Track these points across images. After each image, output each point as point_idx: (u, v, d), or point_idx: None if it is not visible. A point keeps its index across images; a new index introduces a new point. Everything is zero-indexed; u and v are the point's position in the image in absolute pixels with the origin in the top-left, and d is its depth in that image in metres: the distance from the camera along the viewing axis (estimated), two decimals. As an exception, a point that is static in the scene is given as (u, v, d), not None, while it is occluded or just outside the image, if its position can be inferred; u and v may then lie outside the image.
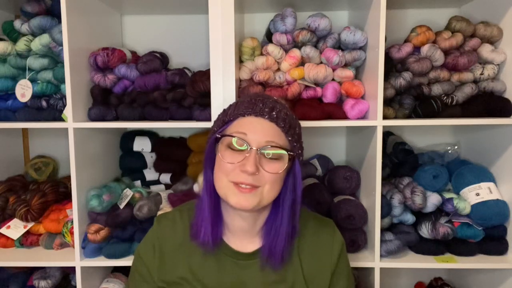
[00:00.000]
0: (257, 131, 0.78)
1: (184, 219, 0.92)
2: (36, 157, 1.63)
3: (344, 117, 1.27)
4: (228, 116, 0.82)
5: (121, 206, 1.31)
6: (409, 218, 1.30)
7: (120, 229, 1.29)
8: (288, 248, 0.86)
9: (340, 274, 0.91)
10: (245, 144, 0.77)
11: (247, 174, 0.76)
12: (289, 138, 0.81)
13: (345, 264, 0.93)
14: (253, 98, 0.83)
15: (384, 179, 1.40)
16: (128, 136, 1.53)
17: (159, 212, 1.28)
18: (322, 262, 0.90)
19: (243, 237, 0.89)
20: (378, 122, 1.18)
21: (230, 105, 0.87)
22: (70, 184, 1.24)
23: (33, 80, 1.33)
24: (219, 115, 0.88)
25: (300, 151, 0.84)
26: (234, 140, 0.78)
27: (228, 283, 0.87)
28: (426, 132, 1.59)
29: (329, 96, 1.27)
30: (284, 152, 0.79)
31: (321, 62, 1.29)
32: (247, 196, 0.78)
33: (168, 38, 1.59)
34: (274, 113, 0.79)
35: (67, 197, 1.38)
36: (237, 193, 0.78)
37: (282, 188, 0.83)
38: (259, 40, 1.31)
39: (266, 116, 0.79)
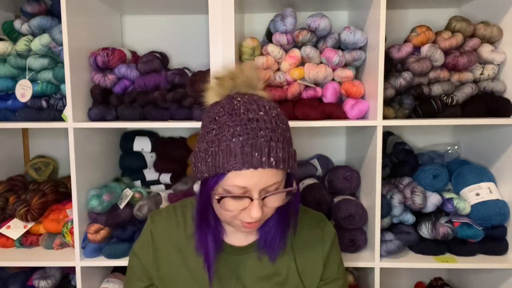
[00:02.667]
0: (256, 182, 0.72)
1: (178, 215, 0.93)
2: (36, 157, 1.63)
3: (344, 117, 1.27)
4: (221, 168, 0.71)
5: (121, 206, 1.31)
6: (409, 218, 1.30)
7: (120, 229, 1.29)
8: (283, 238, 0.87)
9: (331, 262, 0.92)
10: (246, 197, 0.74)
11: (252, 218, 0.75)
12: (289, 170, 0.75)
13: (336, 253, 0.94)
14: (243, 143, 0.71)
15: (384, 179, 1.40)
16: (128, 136, 1.53)
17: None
18: (314, 254, 0.91)
19: (239, 233, 0.90)
20: (378, 122, 1.18)
21: (216, 139, 0.73)
22: (70, 184, 1.24)
23: (33, 80, 1.33)
24: (203, 147, 0.75)
25: (297, 167, 0.79)
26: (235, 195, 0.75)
27: (223, 277, 0.88)
28: (426, 132, 1.59)
29: (329, 96, 1.27)
30: (287, 191, 0.78)
31: (321, 62, 1.29)
32: (253, 228, 0.80)
33: (168, 38, 1.59)
34: (272, 158, 0.71)
35: (67, 197, 1.38)
36: (245, 228, 0.80)
37: None
38: (259, 40, 1.31)
39: (265, 166, 0.71)
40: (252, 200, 0.73)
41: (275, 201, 0.77)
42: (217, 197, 0.75)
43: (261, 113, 0.74)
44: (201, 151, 0.76)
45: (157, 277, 0.90)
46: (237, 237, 0.90)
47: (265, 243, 0.87)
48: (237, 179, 0.72)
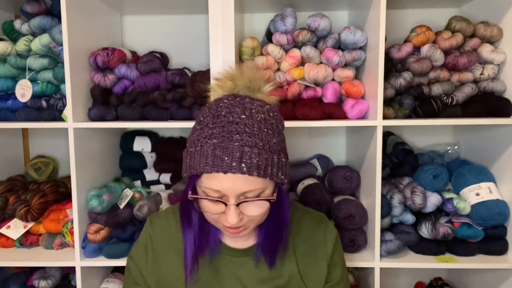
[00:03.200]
0: (229, 187, 0.71)
1: (177, 218, 0.91)
2: (36, 157, 1.63)
3: (344, 117, 1.27)
4: (195, 169, 0.72)
5: (121, 206, 1.31)
6: (409, 218, 1.30)
7: (120, 229, 1.29)
8: (281, 245, 0.86)
9: (335, 264, 0.92)
10: (222, 203, 0.74)
11: (230, 224, 0.75)
12: (267, 178, 0.73)
13: (339, 254, 0.94)
14: (216, 146, 0.71)
15: (384, 179, 1.40)
16: (128, 136, 1.53)
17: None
18: (317, 256, 0.90)
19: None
20: (378, 122, 1.18)
21: (197, 139, 0.74)
22: (70, 184, 1.24)
23: (33, 80, 1.33)
24: (187, 147, 0.77)
25: (282, 175, 0.75)
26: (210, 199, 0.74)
27: (224, 281, 0.87)
28: (426, 132, 1.59)
29: (329, 96, 1.27)
30: (264, 200, 0.75)
31: (321, 62, 1.29)
32: (238, 234, 0.79)
33: (168, 38, 1.59)
34: (243, 164, 0.69)
35: (67, 197, 1.38)
36: (229, 233, 0.79)
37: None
38: (259, 40, 1.31)
39: (235, 171, 0.69)
40: (227, 205, 0.73)
41: (253, 209, 0.75)
42: (190, 197, 0.75)
43: (243, 116, 0.72)
44: (185, 150, 0.77)
45: (156, 282, 0.89)
46: (236, 240, 0.89)
47: (263, 249, 0.86)
48: (210, 182, 0.72)
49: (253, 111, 0.74)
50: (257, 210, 0.75)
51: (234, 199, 0.72)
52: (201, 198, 0.75)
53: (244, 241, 0.89)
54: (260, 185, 0.73)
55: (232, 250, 0.89)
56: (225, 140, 0.71)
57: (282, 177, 0.75)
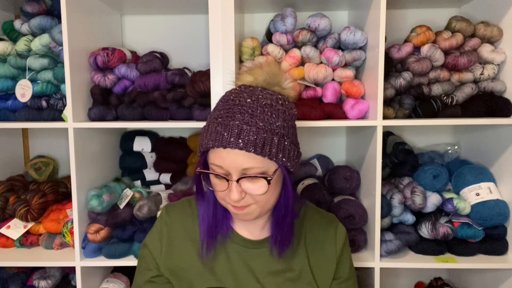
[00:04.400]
0: (230, 162, 0.75)
1: (193, 207, 0.93)
2: (36, 157, 1.63)
3: (344, 117, 1.27)
4: (202, 146, 0.78)
5: (121, 206, 1.31)
6: (409, 218, 1.30)
7: (120, 229, 1.30)
8: (290, 236, 0.88)
9: (343, 261, 0.94)
10: (224, 177, 0.77)
11: (231, 200, 0.78)
12: (266, 157, 0.75)
13: (348, 253, 0.97)
14: (219, 124, 0.76)
15: (384, 179, 1.40)
16: (128, 136, 1.54)
17: (159, 213, 1.28)
18: (327, 253, 0.92)
19: (252, 225, 0.90)
20: (378, 122, 1.18)
21: (208, 121, 0.81)
22: (70, 184, 1.25)
23: (33, 80, 1.33)
24: (203, 128, 0.82)
25: (284, 158, 0.77)
26: (213, 174, 0.78)
27: (236, 271, 0.88)
28: (426, 132, 1.59)
29: (329, 96, 1.27)
30: (261, 177, 0.76)
31: (321, 62, 1.29)
32: (244, 213, 0.81)
33: (168, 38, 1.59)
34: (240, 140, 0.73)
35: (67, 197, 1.38)
36: (235, 211, 0.82)
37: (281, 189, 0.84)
38: (259, 40, 1.31)
39: (233, 146, 0.73)
40: (228, 181, 0.76)
41: (253, 188, 0.77)
42: (197, 171, 0.80)
43: (249, 100, 0.77)
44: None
45: (169, 269, 0.89)
46: (250, 231, 0.90)
47: (274, 240, 0.87)
48: (214, 158, 0.77)
49: (260, 96, 0.78)
50: (256, 189, 0.77)
51: (236, 176, 0.76)
52: (205, 172, 0.79)
53: (258, 232, 0.90)
54: (260, 164, 0.75)
55: (245, 241, 0.90)
56: (227, 118, 0.76)
57: (284, 159, 0.77)
